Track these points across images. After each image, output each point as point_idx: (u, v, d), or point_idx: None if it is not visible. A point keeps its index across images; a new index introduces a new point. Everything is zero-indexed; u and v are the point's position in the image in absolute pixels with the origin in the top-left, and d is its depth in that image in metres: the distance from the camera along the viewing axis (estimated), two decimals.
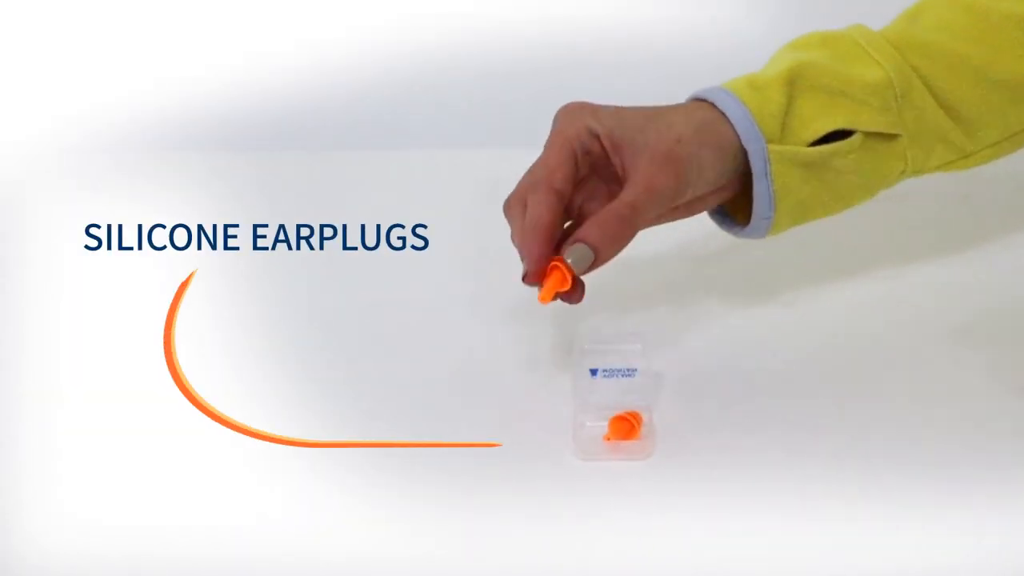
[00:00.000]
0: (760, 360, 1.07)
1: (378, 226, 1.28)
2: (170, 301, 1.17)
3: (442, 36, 1.46)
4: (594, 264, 0.98)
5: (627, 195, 0.99)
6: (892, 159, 1.05)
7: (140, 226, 1.27)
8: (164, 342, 1.12)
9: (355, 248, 1.25)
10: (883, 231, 1.13)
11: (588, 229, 0.98)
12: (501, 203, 1.02)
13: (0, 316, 1.16)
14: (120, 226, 1.27)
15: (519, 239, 0.99)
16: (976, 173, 1.14)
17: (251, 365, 1.09)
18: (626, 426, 0.97)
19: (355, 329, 1.13)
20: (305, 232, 1.27)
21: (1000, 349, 1.08)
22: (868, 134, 1.03)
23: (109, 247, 1.25)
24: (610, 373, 1.02)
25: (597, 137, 1.01)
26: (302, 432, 1.01)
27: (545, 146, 1.01)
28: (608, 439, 0.97)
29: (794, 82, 1.03)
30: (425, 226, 1.27)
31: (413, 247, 1.24)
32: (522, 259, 0.98)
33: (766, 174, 1.01)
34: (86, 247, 1.25)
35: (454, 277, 1.19)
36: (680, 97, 1.05)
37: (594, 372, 1.02)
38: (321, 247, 1.25)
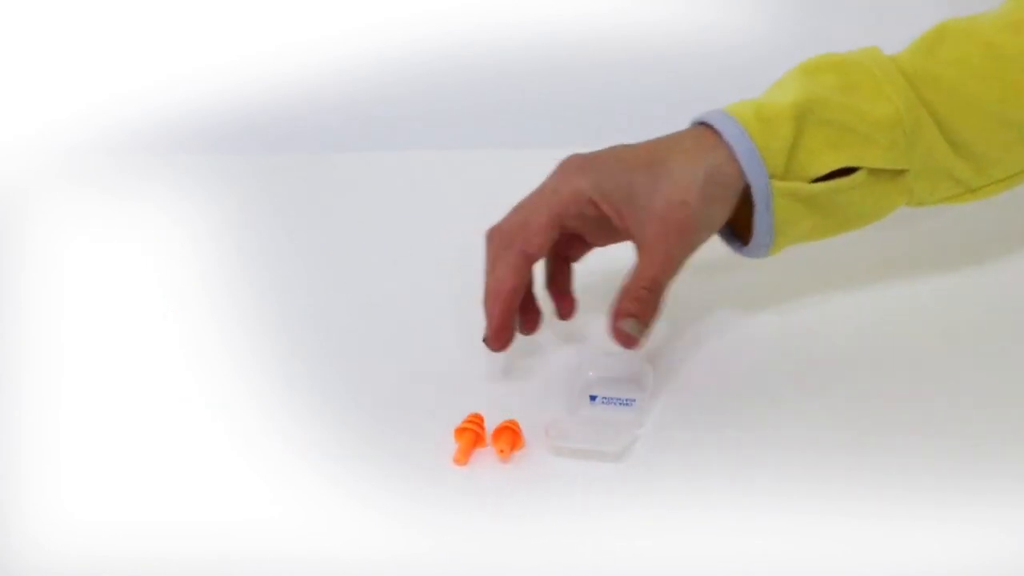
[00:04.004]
0: (762, 369, 1.07)
1: (379, 226, 1.28)
2: (169, 301, 1.17)
3: (442, 37, 1.46)
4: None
5: (648, 270, 0.99)
6: (896, 193, 1.04)
7: (140, 226, 1.27)
8: (163, 342, 1.12)
9: (355, 249, 1.25)
10: (882, 236, 1.13)
11: (627, 304, 0.99)
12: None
13: (0, 316, 1.16)
14: (120, 226, 1.27)
15: (486, 299, 1.00)
16: None
17: (251, 365, 1.09)
18: (510, 435, 0.98)
19: (354, 329, 1.13)
20: (305, 232, 1.28)
21: (1002, 351, 1.08)
22: (873, 170, 1.02)
23: (109, 247, 1.25)
24: (609, 400, 1.02)
25: (592, 202, 1.00)
26: (301, 431, 1.01)
27: (536, 198, 1.01)
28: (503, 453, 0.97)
29: (803, 116, 1.01)
30: (424, 226, 1.28)
31: (413, 247, 1.24)
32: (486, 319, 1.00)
33: (768, 208, 1.00)
34: (86, 247, 1.25)
35: (454, 278, 1.19)
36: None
37: (593, 399, 1.03)
38: (321, 247, 1.25)
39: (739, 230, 1.04)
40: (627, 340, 0.99)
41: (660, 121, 1.42)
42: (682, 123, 1.04)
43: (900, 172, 1.03)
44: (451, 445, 0.98)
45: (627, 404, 1.02)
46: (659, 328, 1.09)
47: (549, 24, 1.45)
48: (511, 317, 1.00)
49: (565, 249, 1.04)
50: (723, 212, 1.01)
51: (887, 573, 0.88)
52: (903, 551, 0.89)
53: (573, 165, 1.01)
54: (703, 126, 1.02)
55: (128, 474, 0.97)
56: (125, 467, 0.98)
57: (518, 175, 1.02)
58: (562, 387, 1.04)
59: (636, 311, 0.99)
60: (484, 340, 1.00)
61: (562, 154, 1.38)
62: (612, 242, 1.04)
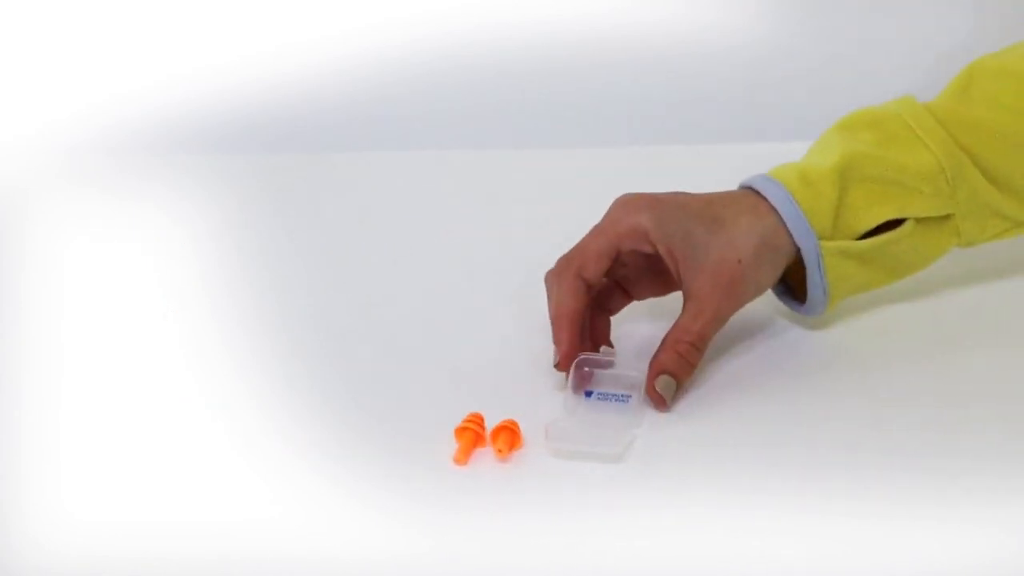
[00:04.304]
0: (761, 369, 1.07)
1: (379, 226, 1.28)
2: (169, 301, 1.17)
3: (442, 37, 1.46)
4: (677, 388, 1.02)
5: (695, 323, 1.01)
6: (945, 237, 1.06)
7: (140, 226, 1.27)
8: (163, 342, 1.12)
9: (355, 249, 1.25)
10: None
11: (667, 359, 1.01)
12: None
13: (0, 316, 1.16)
14: (120, 226, 1.27)
15: (552, 326, 1.03)
16: None
17: (251, 365, 1.09)
18: (508, 435, 0.98)
19: (355, 330, 1.13)
20: (305, 232, 1.27)
21: (1002, 351, 1.08)
22: (921, 218, 1.04)
23: (109, 247, 1.25)
24: (604, 396, 1.02)
25: (650, 240, 1.02)
26: (301, 431, 1.01)
27: (595, 230, 1.03)
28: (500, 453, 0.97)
29: (845, 174, 1.03)
30: (424, 226, 1.27)
31: (414, 247, 1.24)
32: (555, 344, 1.02)
33: (819, 269, 1.03)
34: (86, 247, 1.25)
35: (454, 278, 1.19)
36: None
37: (588, 394, 1.03)
38: (321, 247, 1.25)
39: (795, 289, 1.07)
40: (659, 401, 1.01)
41: (660, 121, 1.42)
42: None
43: (947, 217, 1.05)
44: (451, 445, 0.98)
45: (623, 400, 1.02)
46: (658, 329, 1.09)
47: (549, 24, 1.45)
48: (578, 339, 1.02)
49: (606, 300, 1.06)
50: (772, 275, 1.04)
51: (887, 573, 0.88)
52: (903, 551, 0.89)
53: (635, 202, 1.03)
54: (751, 190, 1.05)
55: (128, 474, 0.97)
56: (125, 467, 0.98)
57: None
58: (561, 386, 1.04)
59: (675, 368, 1.01)
60: (555, 365, 1.02)
61: (562, 154, 1.39)
62: (654, 294, 1.07)
